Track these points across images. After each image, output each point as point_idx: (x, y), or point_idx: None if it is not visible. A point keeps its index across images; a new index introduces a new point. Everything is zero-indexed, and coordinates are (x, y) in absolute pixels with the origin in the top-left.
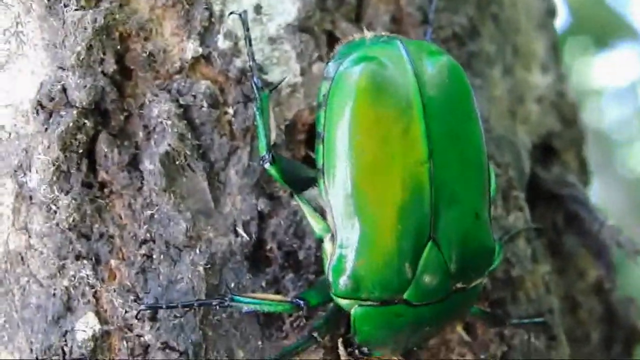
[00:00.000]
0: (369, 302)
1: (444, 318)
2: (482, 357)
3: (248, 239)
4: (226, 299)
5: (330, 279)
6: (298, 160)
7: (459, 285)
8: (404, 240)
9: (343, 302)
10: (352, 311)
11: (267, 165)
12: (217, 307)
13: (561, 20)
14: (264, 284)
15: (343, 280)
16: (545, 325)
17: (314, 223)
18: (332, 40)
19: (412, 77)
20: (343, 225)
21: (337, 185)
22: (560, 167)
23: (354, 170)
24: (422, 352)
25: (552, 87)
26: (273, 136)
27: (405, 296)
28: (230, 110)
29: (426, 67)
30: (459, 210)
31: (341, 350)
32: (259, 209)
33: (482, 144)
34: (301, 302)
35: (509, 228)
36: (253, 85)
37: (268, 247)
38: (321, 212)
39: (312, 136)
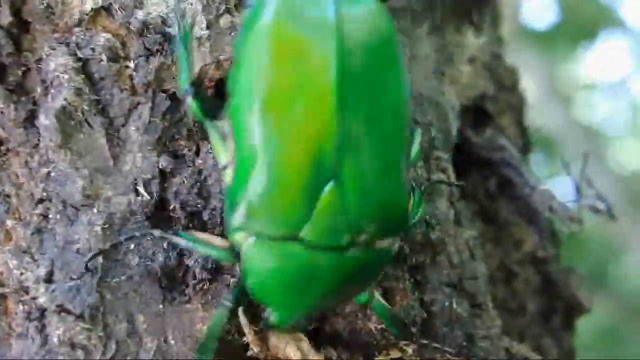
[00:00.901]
0: (263, 237)
1: (348, 274)
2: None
3: (149, 198)
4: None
5: (227, 213)
6: None
7: (363, 237)
8: (302, 173)
9: (236, 237)
10: (245, 247)
11: (188, 99)
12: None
13: (551, 16)
14: (165, 245)
15: (236, 211)
16: (468, 292)
17: (220, 151)
18: None
19: (332, 14)
20: (242, 153)
21: (240, 110)
22: (494, 131)
23: (258, 97)
24: (338, 320)
25: (485, 48)
26: (195, 71)
27: (301, 234)
28: (132, 64)
29: (349, 7)
30: (369, 157)
31: (242, 318)
32: (160, 167)
33: (403, 95)
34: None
35: (430, 189)
36: (176, 16)
37: (171, 206)
38: (227, 140)
39: (218, 92)
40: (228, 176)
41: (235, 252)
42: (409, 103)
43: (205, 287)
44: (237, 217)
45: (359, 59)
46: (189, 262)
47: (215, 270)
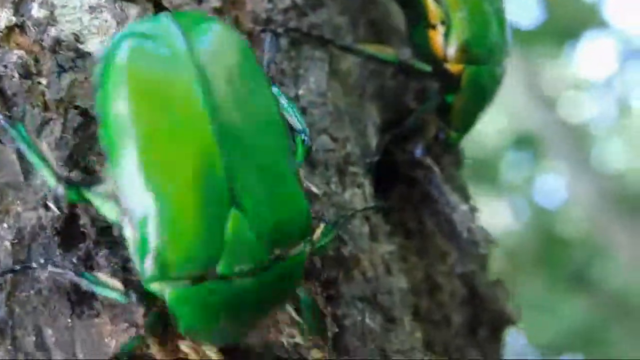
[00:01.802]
0: (181, 283)
1: (274, 289)
2: (311, 337)
3: (59, 213)
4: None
5: (137, 266)
6: None
7: (276, 252)
8: (202, 210)
9: (155, 288)
10: (167, 297)
11: (61, 193)
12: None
13: (534, 17)
14: (75, 259)
15: (149, 264)
16: (382, 307)
17: (109, 212)
18: (160, 9)
19: (183, 45)
20: (138, 207)
21: (123, 166)
22: (418, 148)
23: (138, 148)
24: (250, 333)
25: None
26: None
27: (218, 270)
28: (44, 81)
29: (197, 35)
30: (259, 173)
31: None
32: None
33: (273, 107)
34: (133, 294)
35: (345, 204)
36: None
37: (81, 222)
38: (115, 198)
39: None
40: (126, 230)
41: (132, 295)
42: (280, 112)
43: (114, 302)
44: (149, 269)
45: (222, 82)
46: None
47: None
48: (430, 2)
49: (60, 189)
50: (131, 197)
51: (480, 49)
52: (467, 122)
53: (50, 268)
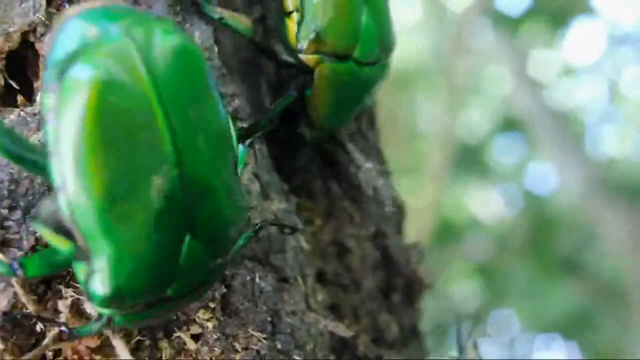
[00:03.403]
0: (133, 309)
1: (195, 297)
2: None
3: None
4: None
5: (91, 296)
6: None
7: (218, 262)
8: (160, 245)
9: (106, 312)
10: (115, 317)
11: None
12: None
13: (523, 3)
14: None
15: (105, 296)
16: (274, 267)
17: (59, 244)
18: None
19: (145, 75)
20: (95, 242)
21: (81, 204)
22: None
23: (98, 184)
24: None
25: None
26: None
27: (168, 293)
28: None
29: (157, 56)
30: (212, 197)
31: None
32: None
33: (223, 119)
34: (18, 270)
35: None
36: None
37: None
38: (65, 231)
39: (11, 63)
40: (80, 264)
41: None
42: (228, 125)
43: None
44: (106, 300)
45: (182, 110)
46: None
47: (2, 244)
48: None
49: None
50: (89, 233)
51: (336, 42)
52: (324, 122)
53: None
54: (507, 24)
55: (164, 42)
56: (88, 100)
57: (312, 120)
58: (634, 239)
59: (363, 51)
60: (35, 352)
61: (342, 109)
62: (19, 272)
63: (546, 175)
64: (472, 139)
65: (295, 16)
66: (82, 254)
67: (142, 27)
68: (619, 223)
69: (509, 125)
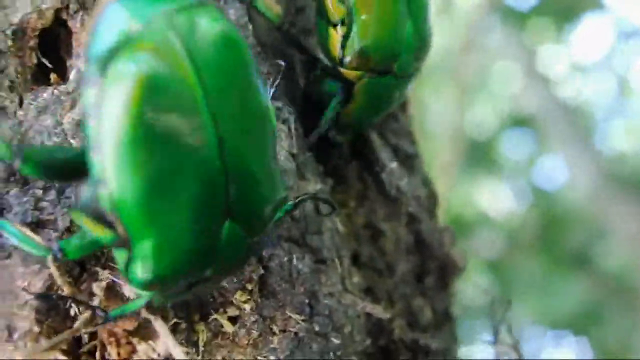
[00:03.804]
0: (174, 290)
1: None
2: (235, 280)
3: None
4: None
5: (132, 281)
6: (29, 68)
7: (256, 239)
8: (202, 231)
9: (147, 294)
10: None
11: (18, 166)
12: None
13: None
14: None
15: (148, 281)
16: (311, 248)
17: (99, 233)
18: None
19: (189, 68)
20: (138, 231)
21: (124, 197)
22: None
23: (142, 178)
24: None
25: None
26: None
27: (208, 274)
28: None
29: (201, 47)
30: (253, 184)
31: None
32: None
33: (265, 102)
34: (59, 253)
35: None
36: None
37: None
38: (107, 221)
39: (44, 41)
40: (120, 252)
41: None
42: (270, 107)
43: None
44: (149, 285)
45: (226, 103)
46: (9, 215)
47: (37, 225)
48: None
49: (18, 161)
50: (133, 224)
51: (380, 59)
52: (357, 126)
53: None
54: (516, 20)
55: (208, 31)
56: (132, 96)
57: (344, 125)
58: None
59: (402, 65)
60: (65, 334)
61: (376, 115)
62: (60, 255)
63: (555, 170)
64: (481, 135)
65: (340, 29)
66: (123, 241)
67: (185, 15)
68: (629, 218)
69: (518, 121)
